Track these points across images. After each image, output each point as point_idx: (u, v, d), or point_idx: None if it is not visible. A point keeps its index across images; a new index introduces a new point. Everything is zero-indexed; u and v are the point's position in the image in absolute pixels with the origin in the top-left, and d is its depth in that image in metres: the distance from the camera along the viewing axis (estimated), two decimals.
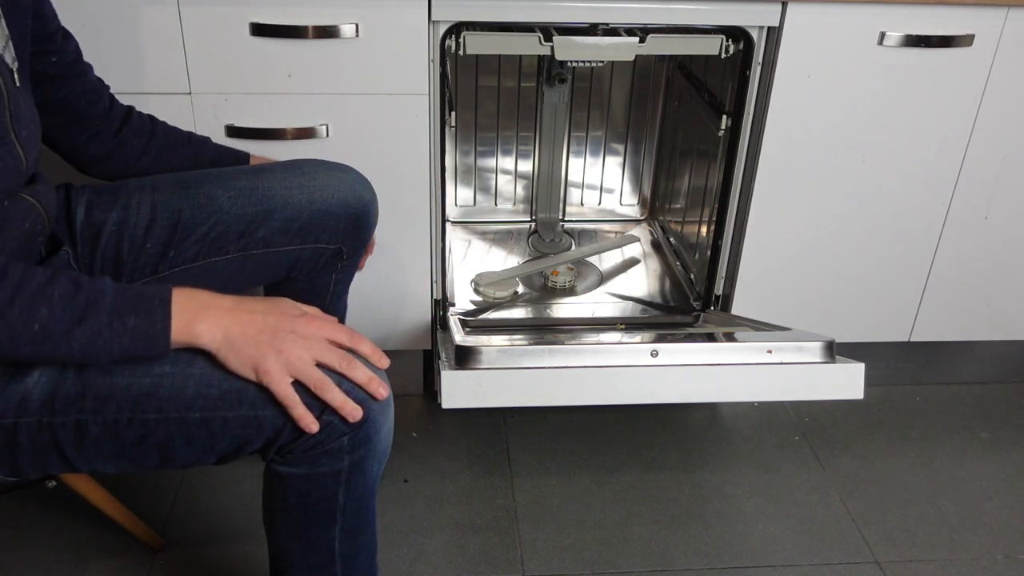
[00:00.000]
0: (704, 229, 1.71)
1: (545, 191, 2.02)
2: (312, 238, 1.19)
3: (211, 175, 1.18)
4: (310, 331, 0.89)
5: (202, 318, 0.87)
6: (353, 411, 0.89)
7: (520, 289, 1.83)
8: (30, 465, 0.92)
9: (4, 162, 0.90)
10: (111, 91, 1.19)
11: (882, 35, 1.43)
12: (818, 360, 1.19)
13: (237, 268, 1.17)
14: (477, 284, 1.80)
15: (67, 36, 1.10)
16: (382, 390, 0.91)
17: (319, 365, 0.88)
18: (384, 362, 0.94)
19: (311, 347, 0.88)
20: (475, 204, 2.07)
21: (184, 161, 1.21)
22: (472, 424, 1.71)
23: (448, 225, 2.00)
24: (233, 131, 1.41)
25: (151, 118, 1.21)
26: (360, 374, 0.90)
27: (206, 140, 1.26)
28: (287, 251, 1.18)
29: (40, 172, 1.02)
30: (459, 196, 2.05)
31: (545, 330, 1.71)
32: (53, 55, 1.06)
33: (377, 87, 1.41)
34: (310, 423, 0.88)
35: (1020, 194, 1.61)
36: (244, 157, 1.27)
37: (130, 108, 1.20)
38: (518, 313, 1.76)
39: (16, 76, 0.94)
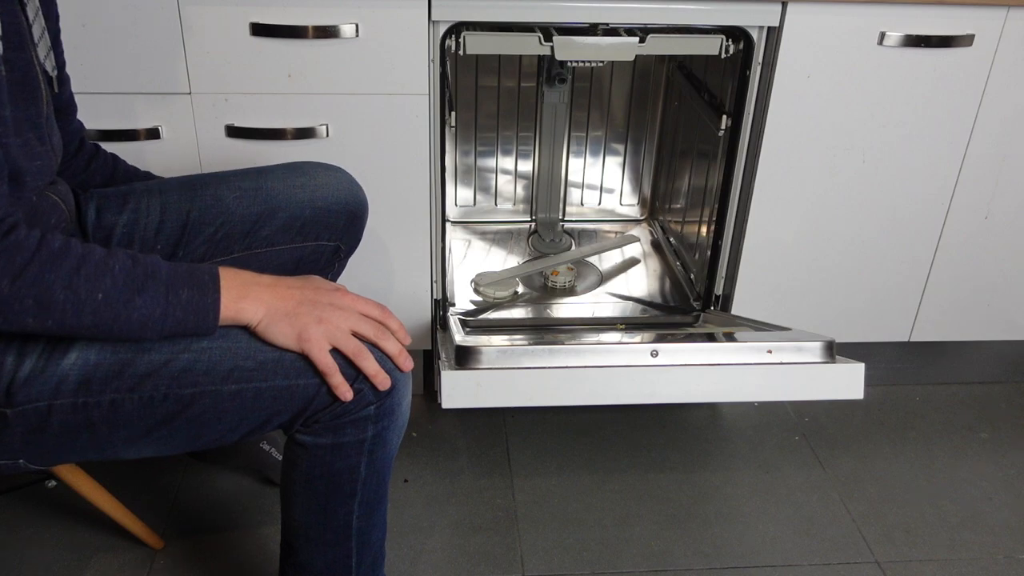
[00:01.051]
0: (704, 229, 1.71)
1: (545, 191, 2.02)
2: (313, 235, 1.21)
3: (216, 177, 1.21)
4: (346, 303, 0.95)
5: (246, 294, 0.91)
6: (384, 380, 0.94)
7: (520, 289, 1.83)
8: (56, 450, 0.94)
9: (42, 161, 0.94)
10: (83, 131, 1.23)
11: (882, 35, 1.43)
12: (818, 360, 1.19)
13: (241, 267, 1.18)
14: (477, 284, 1.80)
15: (68, 77, 1.14)
16: (408, 363, 0.97)
17: (354, 335, 0.93)
18: (408, 339, 0.99)
19: (348, 318, 0.93)
20: (475, 204, 2.07)
21: None
22: (472, 424, 1.71)
23: (448, 225, 2.00)
24: (233, 131, 1.41)
25: (113, 156, 1.26)
26: (391, 345, 0.95)
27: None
28: (290, 249, 1.21)
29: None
30: (459, 196, 2.05)
31: (545, 330, 1.71)
32: (53, 89, 1.08)
33: (377, 87, 1.41)
34: (346, 391, 0.93)
35: (1020, 194, 1.61)
36: None
37: (96, 146, 1.24)
38: (518, 313, 1.76)
39: (54, 84, 0.99)
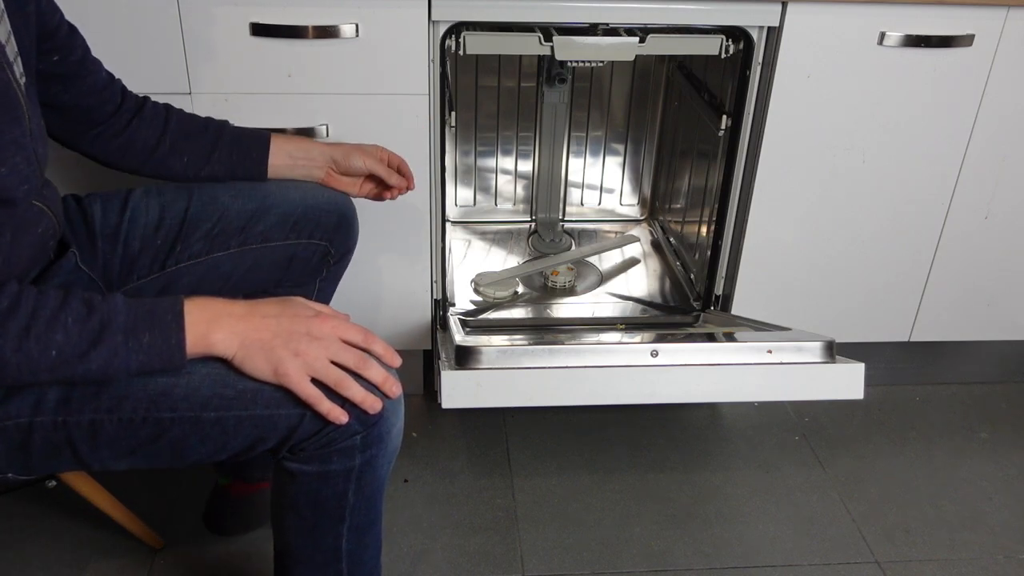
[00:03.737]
0: (704, 229, 1.71)
1: (545, 191, 2.02)
2: (306, 233, 1.22)
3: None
4: (324, 331, 0.90)
5: (216, 328, 0.87)
6: (373, 403, 0.90)
7: (520, 289, 1.83)
8: (42, 464, 0.93)
9: (30, 184, 0.91)
10: (122, 85, 1.17)
11: (882, 35, 1.43)
12: (818, 360, 1.19)
13: (237, 262, 1.20)
14: (477, 284, 1.80)
15: (72, 33, 1.09)
16: (395, 388, 0.93)
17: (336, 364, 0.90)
18: (396, 361, 0.95)
19: (327, 347, 0.89)
20: (475, 204, 2.07)
21: (201, 148, 1.19)
22: (472, 424, 1.71)
23: (448, 225, 2.00)
24: None
25: (166, 107, 1.19)
26: (375, 373, 0.91)
27: (224, 123, 1.22)
28: (284, 245, 1.22)
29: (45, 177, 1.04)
30: (459, 196, 2.05)
31: (545, 330, 1.71)
32: (55, 54, 1.05)
33: (377, 87, 1.41)
34: (339, 415, 0.89)
35: (1020, 194, 1.61)
36: (265, 132, 1.22)
37: (144, 100, 1.18)
38: (518, 313, 1.76)
39: (27, 91, 0.95)
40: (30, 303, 0.81)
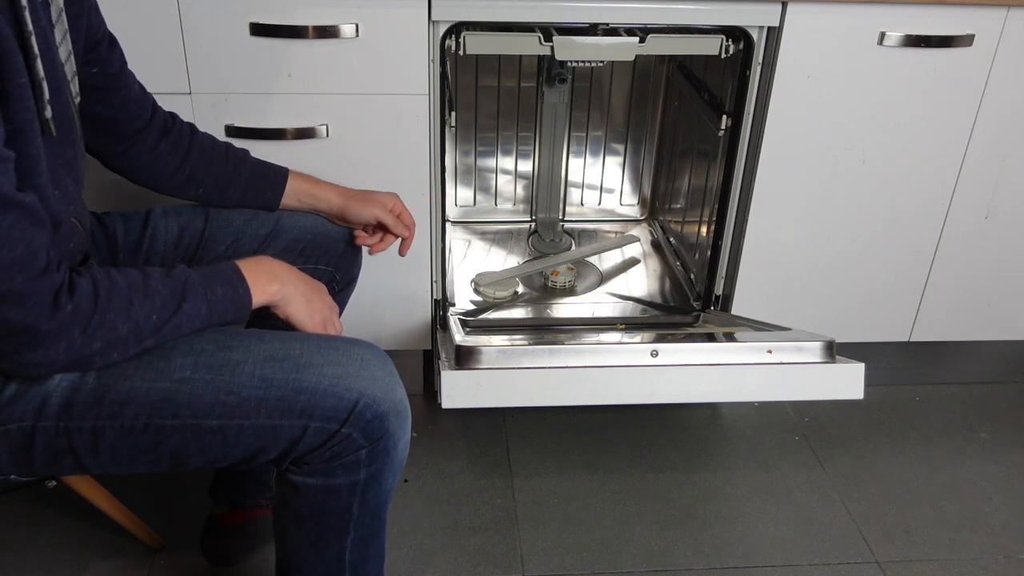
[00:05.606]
0: (704, 229, 1.71)
1: (545, 191, 2.02)
2: (313, 259, 1.25)
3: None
4: (328, 300, 1.08)
5: (268, 280, 0.98)
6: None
7: (520, 289, 1.83)
8: (44, 467, 0.94)
9: (75, 204, 0.93)
10: (154, 100, 1.16)
11: (882, 35, 1.43)
12: (818, 360, 1.19)
13: None
14: (477, 284, 1.80)
15: (112, 46, 1.08)
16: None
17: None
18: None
19: (323, 309, 1.07)
20: (475, 204, 2.07)
21: (217, 181, 1.19)
22: (472, 424, 1.71)
23: (448, 225, 2.00)
24: (233, 131, 1.41)
25: (191, 132, 1.18)
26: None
27: (244, 156, 1.22)
28: None
29: None
30: (459, 196, 2.05)
31: (545, 330, 1.71)
32: (94, 66, 1.05)
33: (377, 87, 1.41)
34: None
35: (1020, 194, 1.61)
36: (283, 172, 1.24)
37: (171, 119, 1.17)
38: (518, 313, 1.76)
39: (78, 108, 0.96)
40: (120, 277, 0.86)
